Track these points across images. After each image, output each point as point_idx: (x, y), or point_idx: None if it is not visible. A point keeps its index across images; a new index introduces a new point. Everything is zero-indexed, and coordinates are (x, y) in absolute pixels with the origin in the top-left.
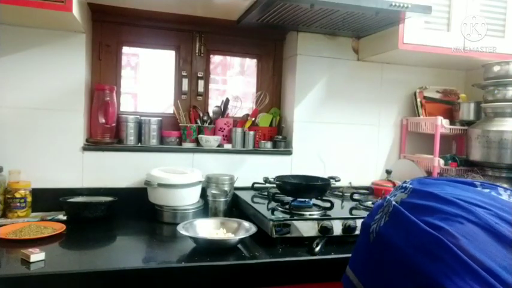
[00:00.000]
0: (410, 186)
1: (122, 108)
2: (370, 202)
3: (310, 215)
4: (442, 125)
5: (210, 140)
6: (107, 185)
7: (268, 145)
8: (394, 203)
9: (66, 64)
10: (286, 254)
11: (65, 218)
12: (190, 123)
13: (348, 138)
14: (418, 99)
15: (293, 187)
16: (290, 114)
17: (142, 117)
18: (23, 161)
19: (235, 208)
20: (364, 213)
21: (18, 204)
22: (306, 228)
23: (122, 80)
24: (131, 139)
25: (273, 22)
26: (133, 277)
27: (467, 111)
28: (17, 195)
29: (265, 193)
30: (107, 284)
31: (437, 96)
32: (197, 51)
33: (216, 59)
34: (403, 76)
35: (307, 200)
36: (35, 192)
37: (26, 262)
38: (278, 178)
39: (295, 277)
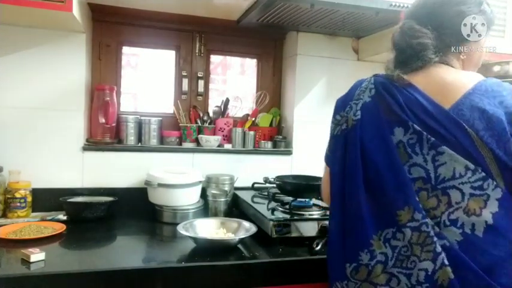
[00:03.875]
0: None
1: (122, 108)
2: None
3: (310, 215)
4: None
5: (210, 140)
6: (107, 185)
7: (268, 145)
8: None
9: (66, 64)
10: (286, 254)
11: (65, 218)
12: (190, 123)
13: None
14: None
15: (293, 187)
16: (290, 114)
17: (142, 117)
18: (23, 161)
19: (235, 208)
20: None
21: (18, 204)
22: (306, 228)
23: (122, 80)
24: (131, 139)
25: (273, 22)
26: (133, 277)
27: None
28: (17, 195)
29: (265, 193)
30: (107, 284)
31: None
32: (197, 51)
33: (216, 59)
34: None
35: (307, 200)
36: (35, 192)
37: (26, 262)
38: (278, 178)
39: (295, 277)
